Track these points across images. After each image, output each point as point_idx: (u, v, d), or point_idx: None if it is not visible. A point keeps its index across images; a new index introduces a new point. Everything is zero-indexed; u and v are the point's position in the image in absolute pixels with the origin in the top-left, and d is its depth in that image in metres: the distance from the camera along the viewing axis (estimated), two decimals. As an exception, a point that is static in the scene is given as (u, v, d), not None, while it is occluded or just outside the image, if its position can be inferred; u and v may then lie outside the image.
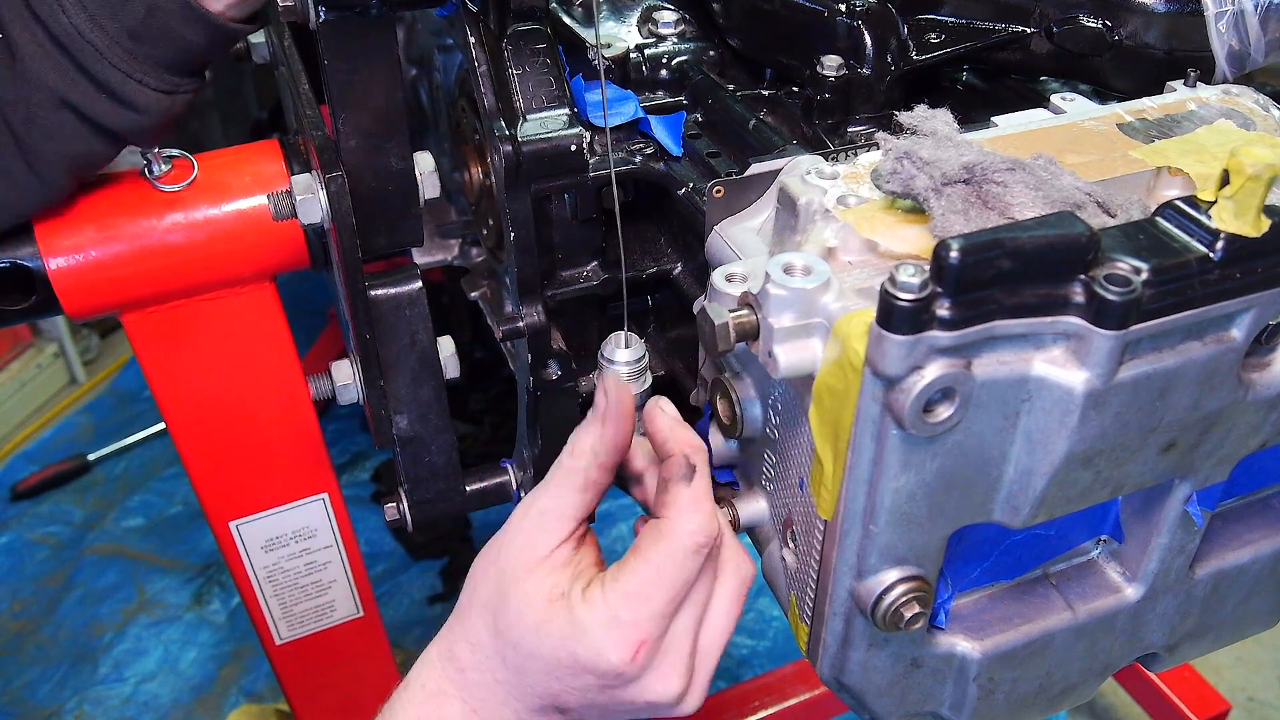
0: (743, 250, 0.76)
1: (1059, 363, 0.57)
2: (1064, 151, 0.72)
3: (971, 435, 0.59)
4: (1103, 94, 0.94)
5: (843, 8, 0.95)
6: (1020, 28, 0.94)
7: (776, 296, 0.61)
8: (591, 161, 0.93)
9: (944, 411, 0.57)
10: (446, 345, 1.02)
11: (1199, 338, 0.60)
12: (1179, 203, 0.60)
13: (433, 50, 1.23)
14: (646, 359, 0.80)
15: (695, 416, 0.78)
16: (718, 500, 0.73)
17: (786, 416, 0.69)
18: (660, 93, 1.05)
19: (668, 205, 0.99)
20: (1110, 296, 0.55)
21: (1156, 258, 0.57)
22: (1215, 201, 0.58)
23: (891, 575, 0.65)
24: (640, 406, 0.81)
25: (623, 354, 0.79)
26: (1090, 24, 0.90)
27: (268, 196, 0.98)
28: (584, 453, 0.70)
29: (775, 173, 0.76)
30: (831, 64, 0.94)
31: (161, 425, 2.40)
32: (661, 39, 1.07)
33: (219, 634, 2.23)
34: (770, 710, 1.83)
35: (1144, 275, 0.56)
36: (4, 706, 2.10)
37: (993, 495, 0.63)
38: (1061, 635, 0.75)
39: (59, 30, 0.80)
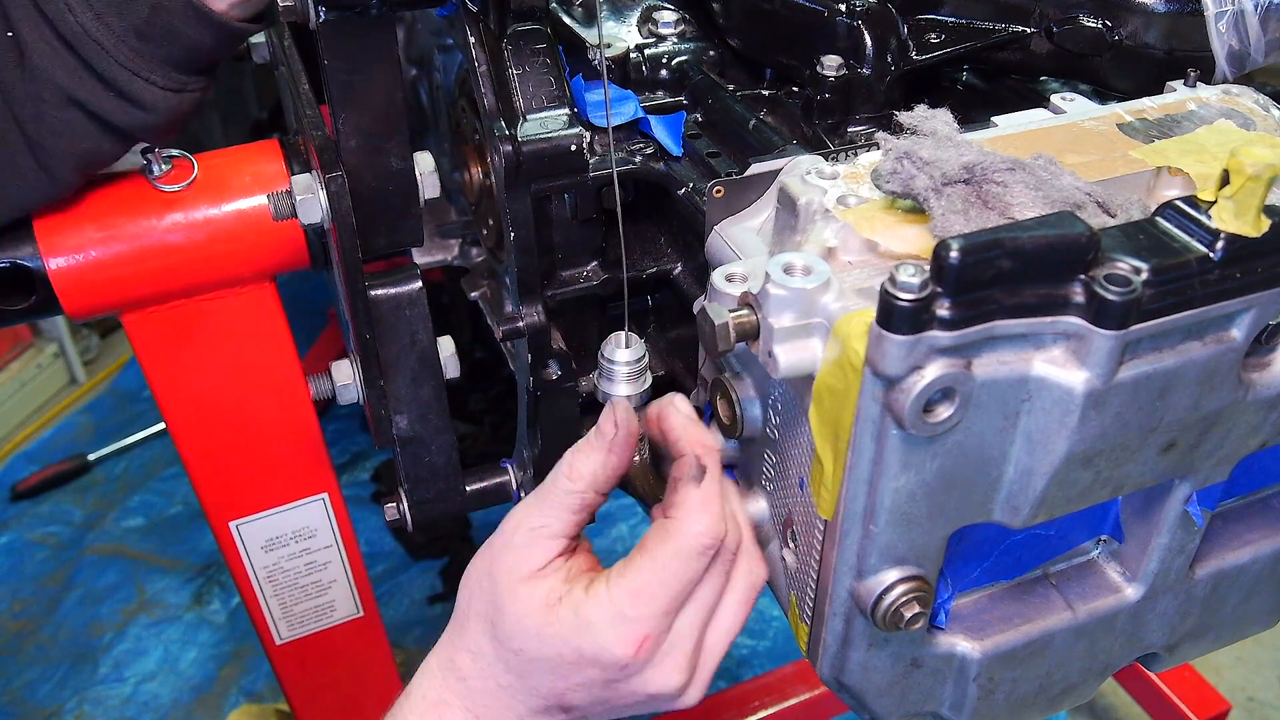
0: (743, 250, 0.76)
1: (1059, 363, 0.57)
2: (1064, 151, 0.72)
3: (971, 435, 0.59)
4: (1103, 94, 0.94)
5: (843, 8, 0.95)
6: (1020, 28, 0.94)
7: (776, 296, 0.61)
8: (591, 161, 0.93)
9: (944, 411, 0.57)
10: (446, 345, 1.02)
11: (1199, 338, 0.60)
12: (1179, 203, 0.60)
13: (433, 50, 1.23)
14: (646, 359, 0.80)
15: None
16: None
17: (786, 416, 0.69)
18: (660, 93, 1.05)
19: (668, 205, 0.99)
20: (1110, 296, 0.55)
21: (1156, 258, 0.57)
22: (1215, 201, 0.58)
23: (891, 575, 0.65)
24: (640, 407, 0.81)
25: (623, 354, 0.79)
26: (1090, 24, 0.90)
27: (268, 196, 0.98)
28: (582, 477, 0.70)
29: (775, 173, 0.76)
30: (831, 64, 0.94)
31: (161, 425, 2.40)
32: (661, 39, 1.07)
33: (219, 634, 2.23)
34: (770, 710, 1.83)
35: (1144, 275, 0.56)
36: (4, 706, 2.10)
37: (993, 495, 0.63)
38: (1061, 635, 0.75)
39: (66, 29, 0.81)
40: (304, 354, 2.34)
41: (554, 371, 1.01)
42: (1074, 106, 0.81)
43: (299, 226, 0.98)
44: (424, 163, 0.95)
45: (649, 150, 0.98)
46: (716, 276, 0.69)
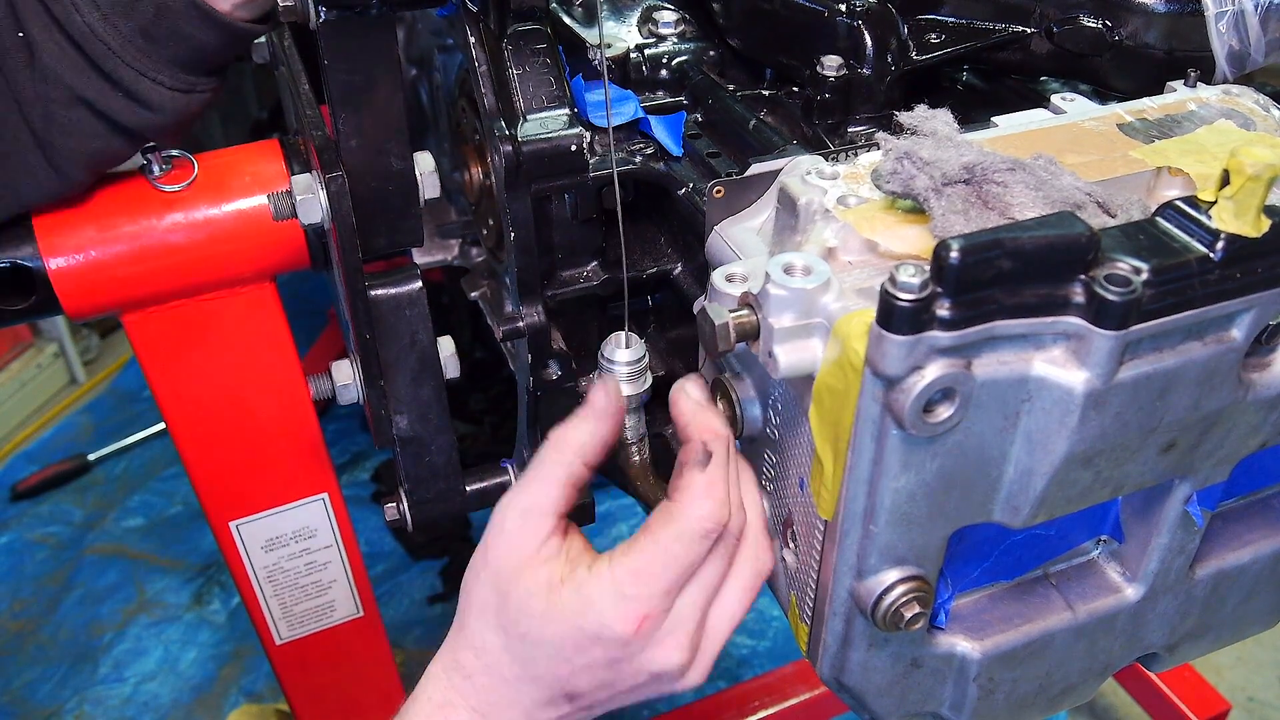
0: (743, 250, 0.76)
1: (1059, 363, 0.57)
2: (1064, 151, 0.71)
3: (971, 435, 0.59)
4: (1103, 94, 0.94)
5: (843, 8, 0.95)
6: (1020, 28, 0.94)
7: (777, 296, 0.61)
8: (591, 161, 0.93)
9: (944, 412, 0.57)
10: (446, 345, 1.02)
11: (1199, 338, 0.60)
12: (1179, 203, 0.60)
13: (433, 50, 1.23)
14: (646, 359, 0.80)
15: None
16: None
17: (786, 416, 0.69)
18: (660, 93, 1.05)
19: (668, 205, 0.99)
20: (1110, 296, 0.55)
21: (1156, 258, 0.57)
22: (1215, 201, 0.58)
23: (891, 575, 0.65)
24: (640, 408, 0.81)
25: (623, 354, 0.79)
26: (1090, 24, 0.90)
27: (268, 196, 0.98)
28: (569, 446, 0.71)
29: (775, 173, 0.76)
30: (831, 64, 0.94)
31: (161, 425, 2.39)
32: (661, 39, 1.07)
33: (219, 634, 2.23)
34: (770, 710, 1.83)
35: (1144, 275, 0.56)
36: (4, 706, 2.10)
37: (993, 495, 0.63)
38: (1061, 635, 0.75)
39: (73, 28, 0.81)
40: (304, 354, 2.34)
41: (554, 371, 1.01)
42: (1074, 106, 0.81)
43: (299, 226, 0.98)
44: (424, 163, 0.95)
45: (649, 150, 0.98)
46: (716, 276, 0.69)
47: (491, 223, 1.11)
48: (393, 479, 2.18)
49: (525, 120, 0.91)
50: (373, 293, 0.95)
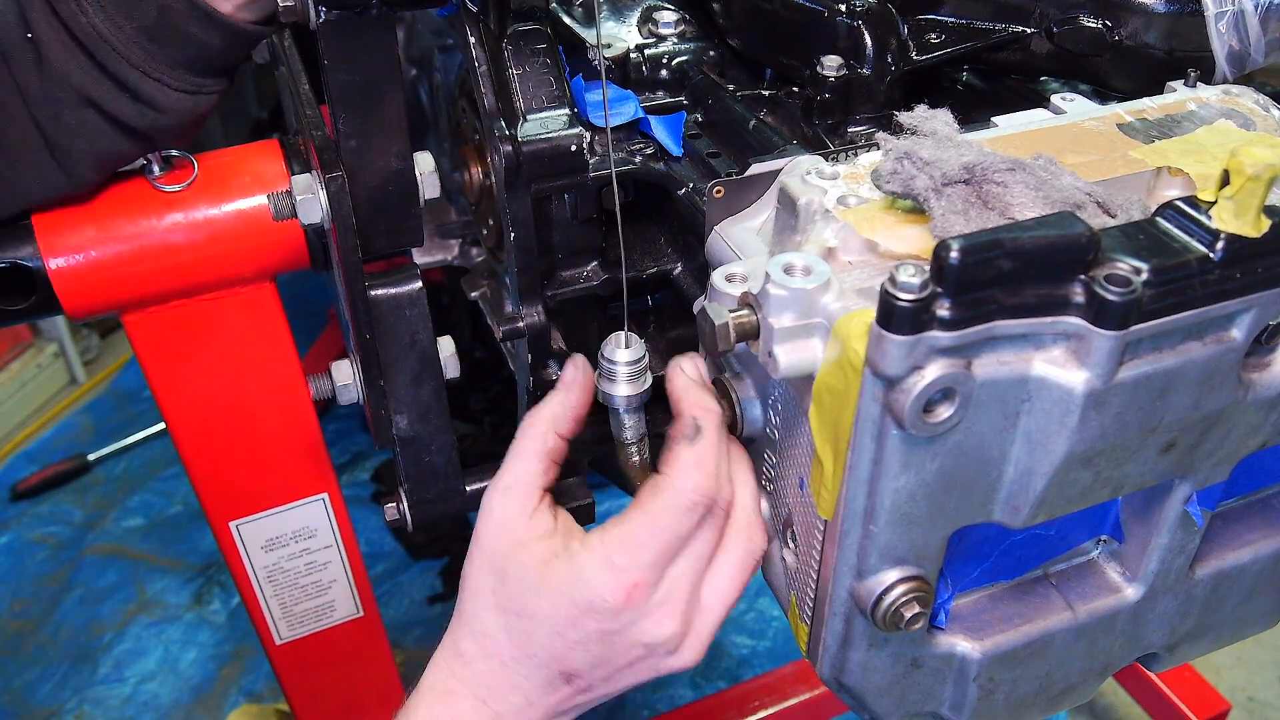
0: (743, 250, 0.76)
1: (1059, 363, 0.57)
2: (1064, 151, 0.71)
3: (971, 435, 0.59)
4: (1103, 94, 0.94)
5: (843, 8, 0.95)
6: (1020, 28, 0.94)
7: (776, 296, 0.61)
8: (591, 161, 0.93)
9: (944, 412, 0.57)
10: (446, 345, 1.02)
11: (1199, 338, 0.60)
12: (1179, 203, 0.60)
13: (433, 50, 1.23)
14: (646, 359, 0.80)
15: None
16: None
17: (786, 416, 0.69)
18: (660, 93, 1.05)
19: (668, 205, 0.99)
20: (1110, 297, 0.55)
21: (1156, 258, 0.57)
22: (1215, 202, 0.58)
23: (891, 575, 0.65)
24: (640, 408, 0.81)
25: (623, 354, 0.79)
26: (1090, 24, 0.90)
27: (268, 196, 0.98)
28: (542, 417, 0.75)
29: (775, 173, 0.76)
30: (831, 64, 0.94)
31: (161, 425, 2.40)
32: (661, 39, 1.07)
33: (219, 634, 2.23)
34: (770, 710, 1.84)
35: (1144, 275, 0.56)
36: (4, 706, 2.10)
37: (993, 495, 0.63)
38: (1061, 635, 0.75)
39: (78, 29, 0.82)
40: (304, 354, 2.34)
41: (554, 372, 1.01)
42: (1074, 106, 0.81)
43: (299, 226, 0.98)
44: (424, 163, 0.95)
45: (649, 150, 0.98)
46: (716, 276, 0.69)
47: (491, 223, 1.11)
48: (393, 479, 2.18)
49: (525, 120, 0.91)
50: (373, 293, 0.95)
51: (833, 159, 0.76)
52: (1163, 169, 0.71)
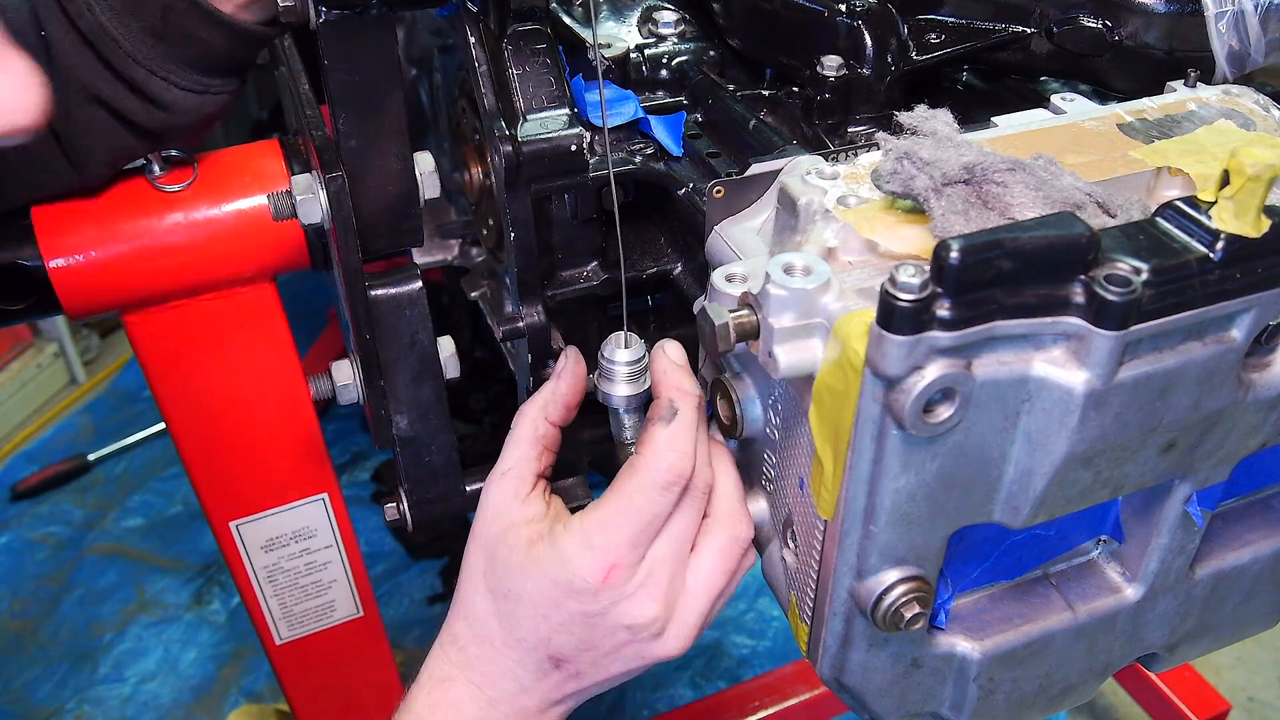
0: (743, 250, 0.76)
1: (1059, 363, 0.57)
2: (1064, 151, 0.71)
3: (971, 435, 0.59)
4: (1103, 94, 0.94)
5: (843, 8, 0.95)
6: (1020, 28, 0.94)
7: (777, 297, 0.61)
8: (591, 161, 0.93)
9: (944, 412, 0.57)
10: (446, 345, 1.02)
11: (1199, 338, 0.60)
12: (1179, 203, 0.60)
13: (433, 50, 1.23)
14: (646, 359, 0.80)
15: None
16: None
17: (786, 417, 0.69)
18: (660, 93, 1.05)
19: (668, 205, 0.99)
20: (1110, 297, 0.55)
21: (1156, 258, 0.57)
22: (1215, 202, 0.58)
23: (891, 575, 0.65)
24: (639, 408, 0.81)
25: (622, 354, 0.79)
26: (1090, 24, 0.90)
27: (268, 196, 0.98)
28: (532, 409, 0.77)
29: (775, 173, 0.76)
30: (831, 64, 0.94)
31: (161, 425, 2.39)
32: (661, 39, 1.07)
33: (219, 634, 2.23)
34: (770, 710, 1.84)
35: (1144, 275, 0.56)
36: (4, 706, 2.10)
37: (993, 495, 0.63)
38: (1062, 635, 0.75)
39: (86, 27, 0.82)
40: (304, 354, 2.34)
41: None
42: (1074, 106, 0.81)
43: (299, 226, 0.98)
44: (424, 163, 0.95)
45: (649, 150, 0.98)
46: (716, 276, 0.69)
47: (491, 223, 1.11)
48: (393, 479, 2.18)
49: (525, 120, 0.91)
50: (373, 293, 0.95)
51: (833, 159, 0.76)
52: (1163, 169, 0.71)
